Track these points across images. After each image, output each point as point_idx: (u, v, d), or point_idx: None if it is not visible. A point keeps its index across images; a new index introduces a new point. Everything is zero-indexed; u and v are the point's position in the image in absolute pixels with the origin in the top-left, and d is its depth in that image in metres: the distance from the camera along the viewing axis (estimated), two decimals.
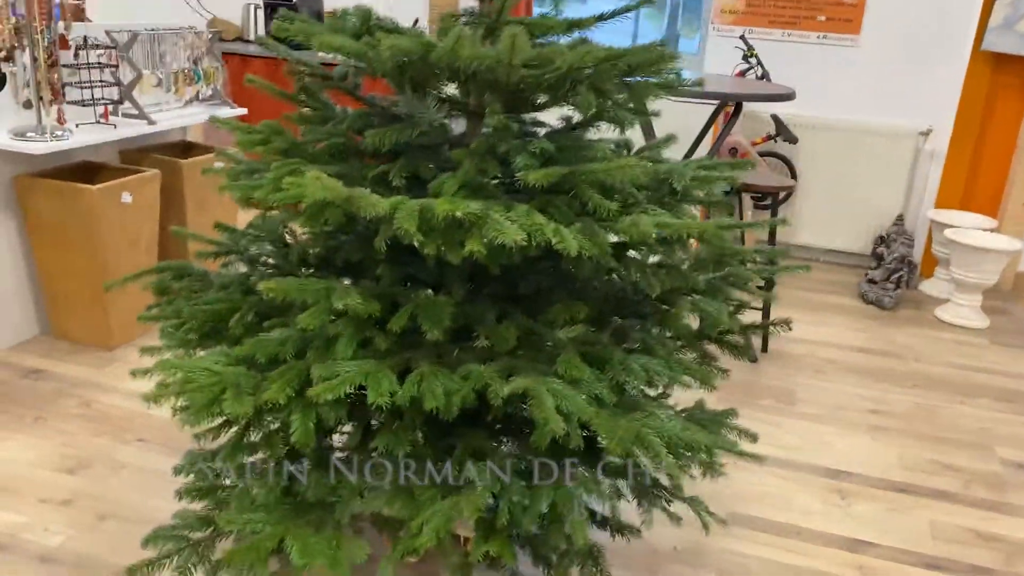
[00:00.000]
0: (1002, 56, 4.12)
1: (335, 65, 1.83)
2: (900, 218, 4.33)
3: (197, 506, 1.61)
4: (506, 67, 1.48)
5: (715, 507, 2.27)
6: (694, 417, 1.78)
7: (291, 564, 1.39)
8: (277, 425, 1.60)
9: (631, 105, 1.79)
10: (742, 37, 4.25)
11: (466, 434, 1.62)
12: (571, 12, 1.74)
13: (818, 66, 4.38)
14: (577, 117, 1.85)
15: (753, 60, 4.25)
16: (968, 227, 4.03)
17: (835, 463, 2.55)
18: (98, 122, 3.03)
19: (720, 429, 1.79)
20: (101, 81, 3.03)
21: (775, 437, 2.68)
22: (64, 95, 2.86)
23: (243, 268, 1.93)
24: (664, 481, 1.88)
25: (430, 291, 1.62)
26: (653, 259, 1.75)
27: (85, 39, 2.96)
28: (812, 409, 2.89)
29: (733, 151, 4.17)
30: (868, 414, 2.89)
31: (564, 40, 1.76)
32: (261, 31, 4.90)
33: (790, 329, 1.96)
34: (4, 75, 2.73)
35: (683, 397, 2.55)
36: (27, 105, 2.82)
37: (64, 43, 2.86)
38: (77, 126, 2.94)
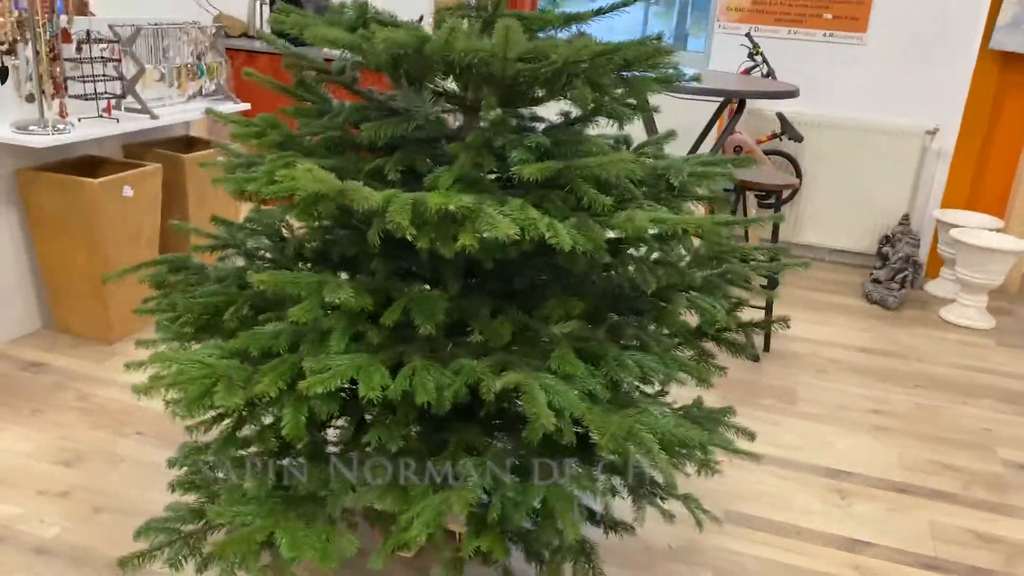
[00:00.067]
0: (1010, 55, 4.09)
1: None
2: (906, 217, 4.31)
3: (190, 498, 1.61)
4: (501, 60, 1.47)
5: (713, 505, 2.26)
6: (691, 415, 1.77)
7: (281, 557, 1.39)
8: (271, 420, 1.60)
9: (630, 100, 1.78)
10: (748, 35, 4.23)
11: (459, 429, 1.62)
12: (574, 7, 1.73)
13: (824, 64, 4.35)
14: (576, 112, 1.84)
15: (759, 58, 4.23)
16: (974, 227, 4.01)
17: (835, 463, 2.53)
18: (100, 116, 3.04)
19: (717, 427, 1.78)
20: (104, 75, 3.03)
21: (776, 436, 2.66)
22: (66, 89, 2.86)
23: (241, 262, 1.93)
24: (658, 478, 1.87)
25: (424, 285, 1.61)
26: (651, 255, 1.74)
27: (88, 33, 2.96)
28: (813, 409, 2.87)
29: (738, 149, 4.15)
30: (870, 414, 2.87)
31: (564, 35, 1.75)
32: (267, 27, 4.90)
33: (788, 327, 1.95)
34: (7, 68, 2.74)
35: (685, 395, 2.54)
36: (30, 99, 2.83)
37: (67, 37, 2.86)
38: (79, 120, 2.95)
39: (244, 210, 3.82)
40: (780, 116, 4.22)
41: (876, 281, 4.08)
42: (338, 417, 1.70)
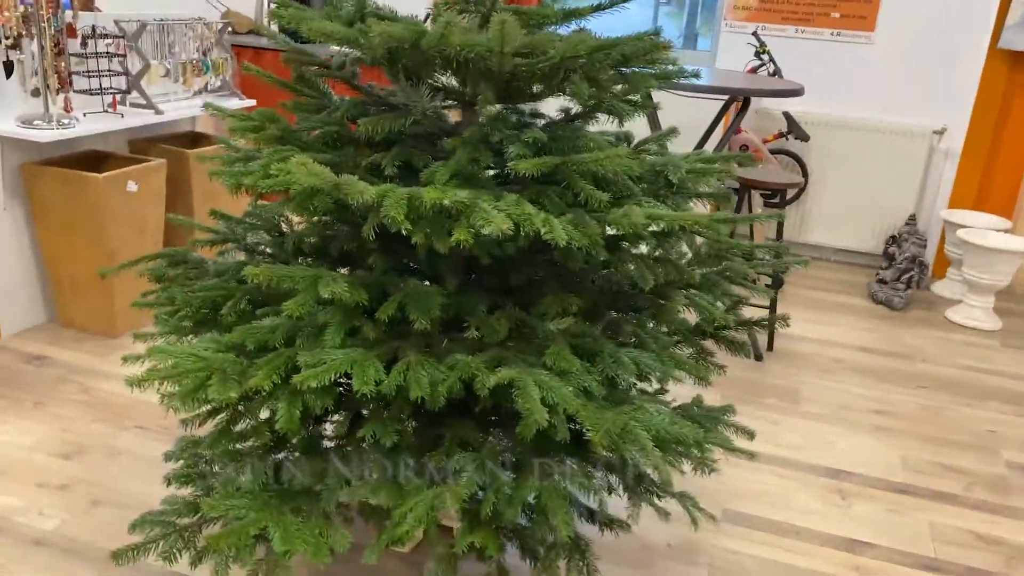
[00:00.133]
0: (1019, 54, 4.06)
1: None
2: (913, 218, 4.28)
3: (185, 492, 1.61)
4: (498, 55, 1.47)
5: (712, 504, 2.25)
6: (690, 413, 1.76)
7: (275, 551, 1.39)
8: (267, 414, 1.60)
9: (630, 97, 1.78)
10: (755, 34, 4.21)
11: (455, 425, 1.62)
12: (575, 2, 1.73)
13: (831, 63, 4.33)
14: (576, 108, 1.84)
15: (765, 57, 4.22)
16: (982, 227, 3.98)
17: (837, 463, 2.52)
18: (106, 111, 3.05)
19: (716, 425, 1.77)
20: (109, 70, 3.04)
21: (777, 436, 2.65)
22: (72, 84, 2.87)
23: (240, 256, 1.93)
24: (654, 476, 1.86)
25: (420, 281, 1.61)
26: (643, 249, 1.73)
27: (93, 28, 2.97)
28: (816, 408, 2.86)
29: (744, 148, 4.13)
30: (872, 414, 2.85)
31: (564, 31, 1.75)
32: (276, 25, 4.90)
33: (787, 325, 1.94)
34: (12, 63, 2.75)
35: (687, 394, 2.54)
36: (35, 93, 2.84)
37: (72, 32, 2.87)
38: (84, 115, 2.96)
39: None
40: (787, 115, 4.20)
41: (882, 281, 4.06)
42: (334, 412, 1.70)
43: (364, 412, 1.71)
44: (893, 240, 4.29)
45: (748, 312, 3.49)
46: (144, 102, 3.11)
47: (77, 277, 2.95)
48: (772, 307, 3.35)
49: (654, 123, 3.47)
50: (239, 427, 1.60)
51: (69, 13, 2.83)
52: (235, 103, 3.51)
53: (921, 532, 2.21)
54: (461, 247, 1.39)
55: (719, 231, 1.60)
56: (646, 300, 1.82)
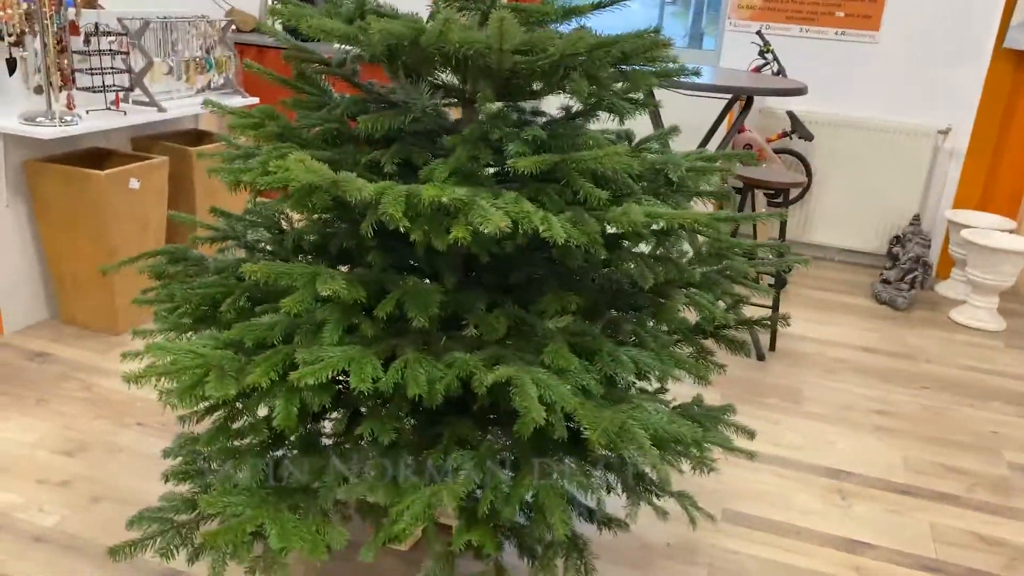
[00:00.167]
0: None
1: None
2: (917, 218, 4.27)
3: (183, 488, 1.61)
4: (497, 52, 1.46)
5: (712, 504, 2.25)
6: (689, 412, 1.76)
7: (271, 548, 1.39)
8: (266, 412, 1.60)
9: (631, 95, 1.77)
10: (759, 33, 4.20)
11: (454, 423, 1.61)
12: (577, 0, 1.72)
13: (836, 63, 4.32)
14: (577, 107, 1.83)
15: (769, 56, 4.21)
16: (986, 228, 3.97)
17: (837, 463, 2.51)
18: (108, 109, 3.05)
19: (716, 425, 1.76)
20: (112, 68, 3.05)
21: (778, 435, 2.64)
22: (74, 81, 2.88)
23: (241, 254, 1.93)
24: (653, 475, 1.86)
25: (418, 278, 1.61)
26: (645, 249, 1.73)
27: (96, 25, 2.97)
28: (818, 408, 2.85)
29: (748, 147, 4.12)
30: (874, 415, 2.84)
31: (566, 29, 1.74)
32: (279, 23, 4.91)
33: (788, 324, 1.93)
34: (15, 60, 2.76)
35: (689, 393, 2.54)
36: (38, 90, 2.84)
37: (75, 29, 2.88)
38: (87, 112, 2.96)
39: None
40: (791, 115, 4.19)
41: (886, 281, 4.05)
42: (333, 409, 1.70)
43: (363, 410, 1.71)
44: (897, 240, 4.28)
45: (750, 312, 3.48)
46: (147, 100, 3.12)
47: (79, 274, 2.95)
48: (775, 306, 3.35)
49: (657, 122, 3.46)
50: (238, 424, 1.60)
51: (72, 10, 2.83)
52: (238, 101, 3.51)
53: (922, 533, 2.21)
54: (459, 245, 1.39)
55: (719, 230, 1.59)
56: (646, 299, 1.81)
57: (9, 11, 2.63)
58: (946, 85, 4.18)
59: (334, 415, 1.73)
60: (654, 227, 1.55)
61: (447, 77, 1.75)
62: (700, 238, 1.84)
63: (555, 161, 1.49)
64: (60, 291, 3.03)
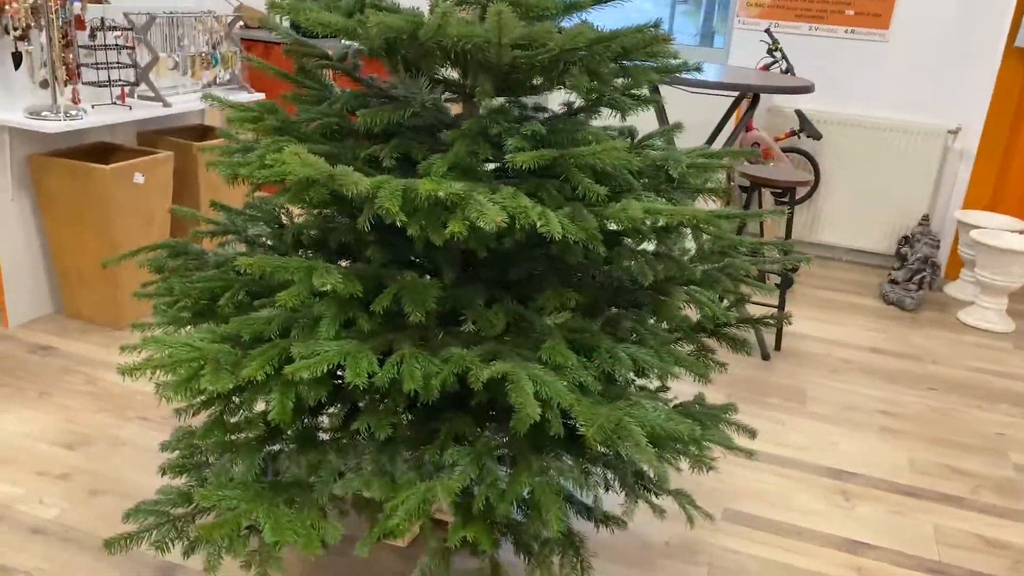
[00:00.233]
0: None
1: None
2: (926, 218, 4.24)
3: (180, 481, 1.61)
4: (496, 47, 1.45)
5: (713, 503, 2.23)
6: (689, 411, 1.74)
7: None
8: (263, 406, 1.60)
9: (632, 91, 1.76)
10: (767, 31, 4.18)
11: (451, 419, 1.61)
12: None
13: (845, 61, 4.29)
14: (578, 102, 1.82)
15: (778, 54, 4.18)
16: (996, 228, 3.93)
17: (841, 464, 2.49)
18: (114, 103, 3.06)
19: (717, 424, 1.75)
20: (118, 63, 3.05)
21: (782, 435, 2.63)
22: (80, 76, 2.88)
23: (241, 248, 1.93)
24: (651, 473, 1.85)
25: (416, 273, 1.60)
26: (649, 247, 1.71)
27: (102, 20, 2.98)
28: (822, 409, 2.83)
29: (756, 146, 4.10)
30: (880, 416, 2.82)
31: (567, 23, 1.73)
32: (287, 19, 4.91)
33: (790, 323, 1.92)
34: (20, 54, 2.76)
35: (691, 392, 2.52)
36: (43, 85, 2.85)
37: (81, 23, 2.88)
38: (93, 107, 2.97)
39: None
40: (799, 113, 4.17)
41: (894, 282, 4.02)
42: (330, 404, 1.70)
43: (360, 405, 1.71)
44: (905, 240, 4.25)
45: (754, 311, 3.46)
46: (152, 95, 3.12)
47: (83, 268, 2.96)
48: (780, 306, 3.33)
49: (662, 119, 3.44)
50: (235, 418, 1.60)
51: (78, 5, 2.84)
52: (244, 96, 3.51)
53: (925, 534, 2.19)
54: (457, 240, 1.38)
55: (719, 226, 1.58)
56: (646, 296, 1.80)
57: (15, 5, 2.64)
58: (956, 84, 4.14)
59: (332, 410, 1.72)
60: (654, 224, 1.54)
61: (448, 72, 1.75)
62: (703, 235, 1.83)
63: (554, 156, 1.48)
64: (64, 285, 3.04)
